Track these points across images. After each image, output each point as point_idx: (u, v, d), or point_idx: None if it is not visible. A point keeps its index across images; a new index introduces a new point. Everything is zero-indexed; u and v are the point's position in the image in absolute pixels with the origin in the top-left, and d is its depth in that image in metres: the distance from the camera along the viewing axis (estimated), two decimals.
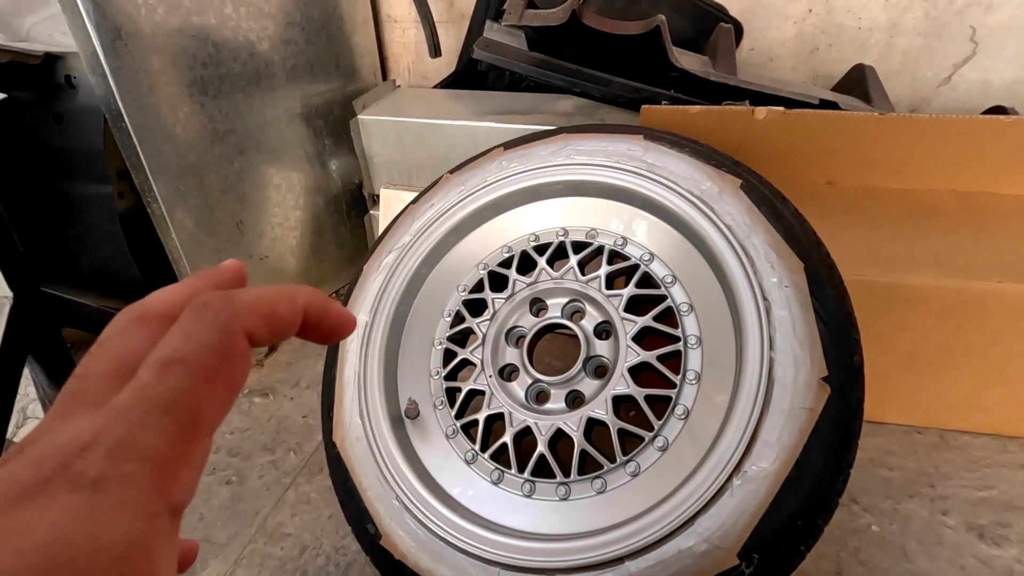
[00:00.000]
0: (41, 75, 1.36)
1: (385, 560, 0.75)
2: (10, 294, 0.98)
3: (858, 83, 1.22)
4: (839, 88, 1.30)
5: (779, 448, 0.62)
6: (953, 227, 1.11)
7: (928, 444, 1.17)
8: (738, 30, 1.45)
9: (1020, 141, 1.06)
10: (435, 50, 1.49)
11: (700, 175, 0.80)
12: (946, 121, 1.07)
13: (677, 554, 0.63)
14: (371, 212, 1.64)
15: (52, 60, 1.34)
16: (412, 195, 1.34)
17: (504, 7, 1.27)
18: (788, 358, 0.66)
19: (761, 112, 1.09)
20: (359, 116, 1.48)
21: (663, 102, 1.17)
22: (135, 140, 1.16)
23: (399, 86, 1.70)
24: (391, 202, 1.56)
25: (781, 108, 1.08)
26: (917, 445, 1.17)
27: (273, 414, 1.29)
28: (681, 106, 1.11)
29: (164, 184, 1.24)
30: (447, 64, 1.70)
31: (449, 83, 1.65)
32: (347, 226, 1.71)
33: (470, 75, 1.61)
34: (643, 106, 1.12)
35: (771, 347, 0.67)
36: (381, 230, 1.54)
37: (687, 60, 1.14)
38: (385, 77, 1.78)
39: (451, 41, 1.67)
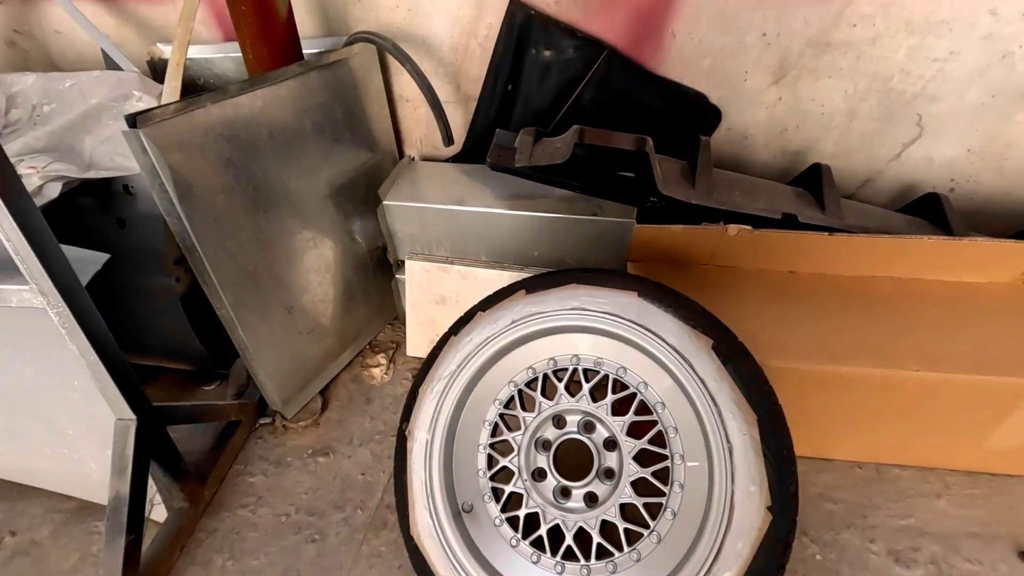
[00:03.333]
0: (101, 184, 1.53)
1: None
2: (134, 417, 1.22)
3: (814, 182, 1.44)
4: (798, 181, 1.52)
5: (735, 557, 0.91)
6: (888, 314, 1.37)
7: (867, 478, 1.47)
8: (716, 116, 1.64)
9: (939, 252, 1.32)
10: (448, 140, 1.67)
11: (682, 332, 1.05)
12: (882, 242, 1.32)
13: None
14: (397, 276, 1.86)
15: None
16: (433, 265, 1.62)
17: (514, 146, 1.45)
18: (744, 492, 0.93)
19: (733, 230, 1.32)
20: (384, 202, 1.68)
21: (652, 200, 1.40)
22: (207, 265, 1.37)
23: (413, 159, 1.89)
24: (416, 272, 1.78)
25: (749, 227, 1.31)
26: (858, 479, 1.47)
27: (336, 473, 1.56)
28: (667, 225, 1.34)
29: (230, 293, 1.45)
30: (457, 139, 1.87)
31: (460, 156, 1.85)
32: (374, 284, 1.93)
33: (478, 151, 1.80)
34: (636, 225, 1.34)
35: (732, 481, 0.94)
36: (408, 295, 1.77)
37: (672, 179, 1.35)
38: (400, 148, 1.96)
39: (459, 118, 1.85)
